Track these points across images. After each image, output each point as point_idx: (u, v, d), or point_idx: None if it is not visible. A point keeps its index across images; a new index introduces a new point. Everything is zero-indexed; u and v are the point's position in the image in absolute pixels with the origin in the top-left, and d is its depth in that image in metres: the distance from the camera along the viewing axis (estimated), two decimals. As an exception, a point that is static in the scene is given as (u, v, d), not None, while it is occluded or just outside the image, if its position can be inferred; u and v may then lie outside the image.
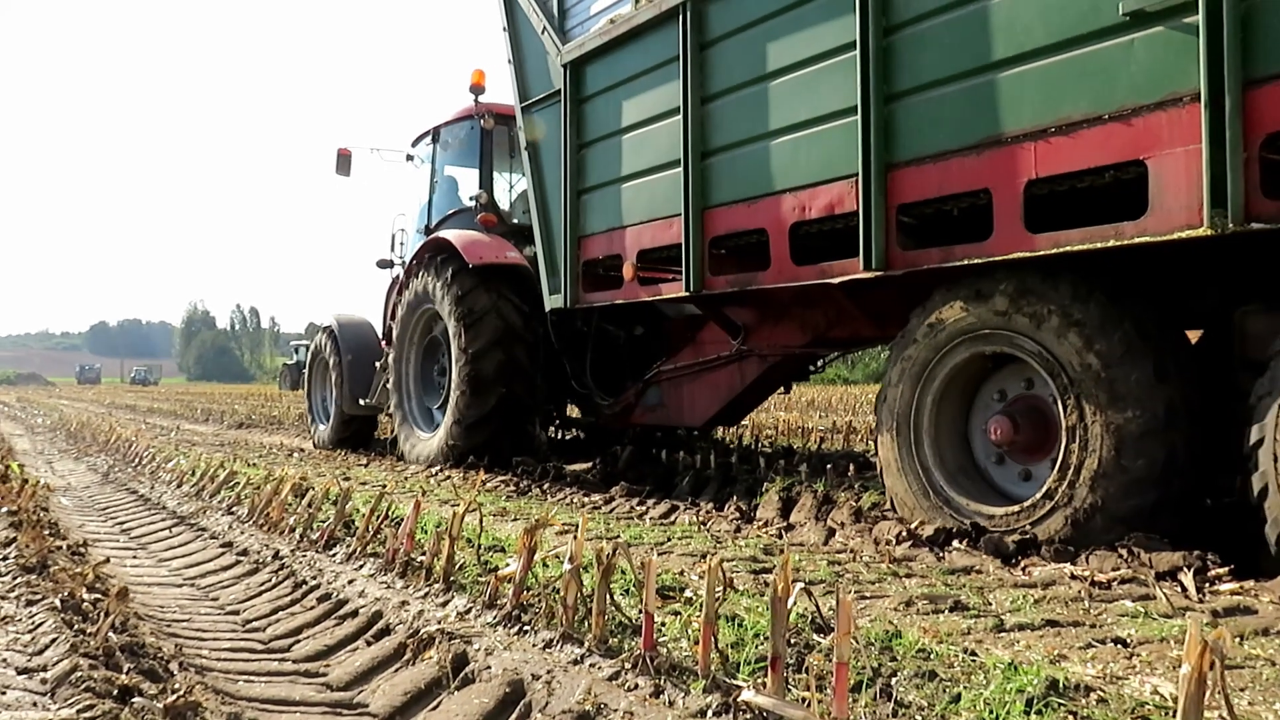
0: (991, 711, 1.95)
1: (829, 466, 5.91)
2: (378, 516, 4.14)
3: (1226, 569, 3.35)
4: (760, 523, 5.00)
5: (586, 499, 6.02)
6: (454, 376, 7.65)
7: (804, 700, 1.98)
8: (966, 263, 4.11)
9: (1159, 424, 3.69)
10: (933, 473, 4.45)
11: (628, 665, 2.34)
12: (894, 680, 2.12)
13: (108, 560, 4.00)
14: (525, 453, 7.68)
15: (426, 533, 3.85)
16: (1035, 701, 1.96)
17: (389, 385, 8.91)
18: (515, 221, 8.57)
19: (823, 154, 4.74)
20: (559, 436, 9.06)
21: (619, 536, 4.44)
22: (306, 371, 11.13)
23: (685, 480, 6.32)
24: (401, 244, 10.04)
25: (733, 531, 4.76)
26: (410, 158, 9.98)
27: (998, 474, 4.43)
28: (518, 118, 7.28)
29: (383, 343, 9.89)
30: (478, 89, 8.74)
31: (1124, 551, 3.59)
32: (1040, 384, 4.15)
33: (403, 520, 3.90)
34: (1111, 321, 3.81)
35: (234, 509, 5.55)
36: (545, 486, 6.58)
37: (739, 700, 2.00)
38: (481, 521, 3.81)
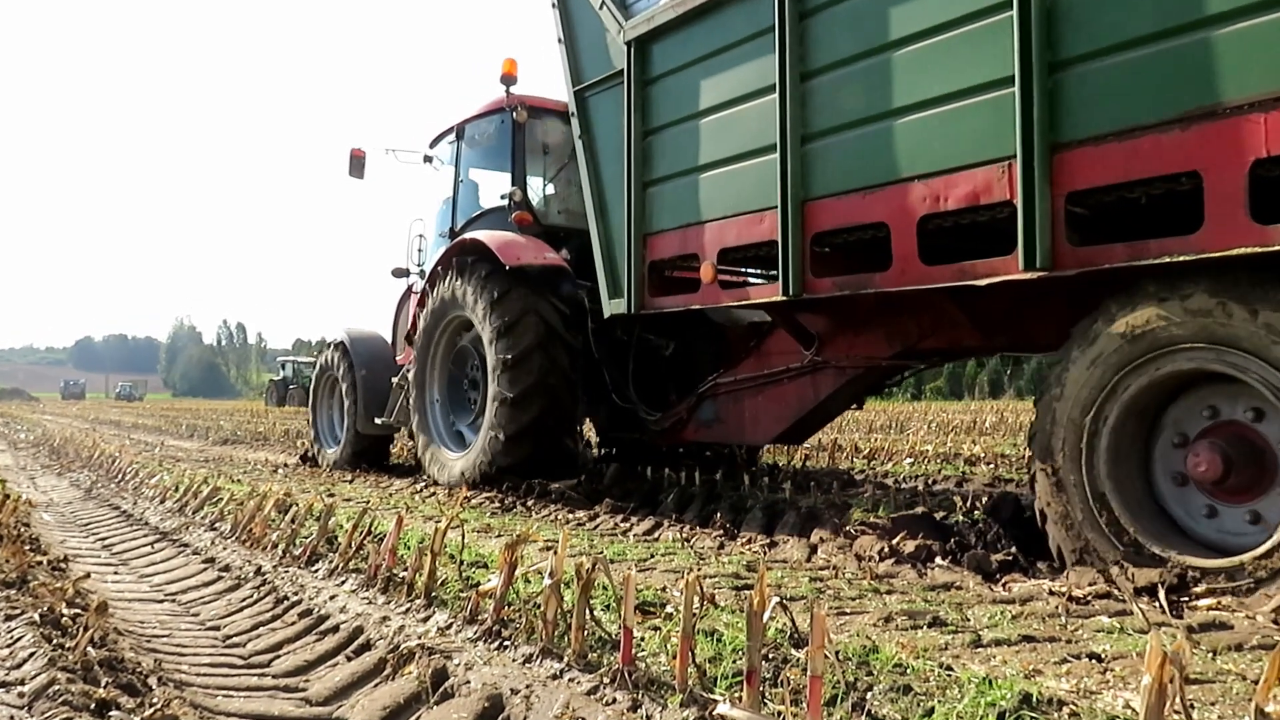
0: (964, 725, 1.97)
1: (813, 484, 5.94)
2: (360, 532, 4.14)
3: (1204, 586, 3.38)
4: (744, 539, 5.01)
5: (571, 515, 6.02)
6: (490, 387, 7.06)
7: (779, 714, 1.99)
8: (1168, 260, 3.43)
9: None
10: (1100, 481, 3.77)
11: (606, 680, 2.35)
12: (869, 695, 2.14)
13: (88, 576, 3.99)
14: (566, 470, 7.15)
15: (409, 549, 3.86)
16: (1007, 715, 1.98)
17: (410, 403, 8.25)
18: (550, 222, 8.03)
19: (965, 134, 4.07)
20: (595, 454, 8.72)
21: (602, 553, 4.45)
22: (311, 391, 10.57)
23: (670, 497, 6.32)
24: (420, 251, 9.49)
25: (716, 548, 4.77)
26: (429, 159, 9.42)
27: (1172, 495, 3.79)
28: (570, 103, 6.59)
29: (397, 358, 9.47)
30: (509, 79, 8.10)
31: (1103, 568, 3.62)
32: (1272, 423, 3.46)
33: (385, 536, 3.90)
34: None
35: (217, 525, 5.53)
36: (530, 503, 6.58)
37: (715, 714, 2.02)
38: (464, 537, 3.82)
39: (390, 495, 7.18)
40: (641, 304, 5.97)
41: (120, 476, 8.67)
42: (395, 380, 8.96)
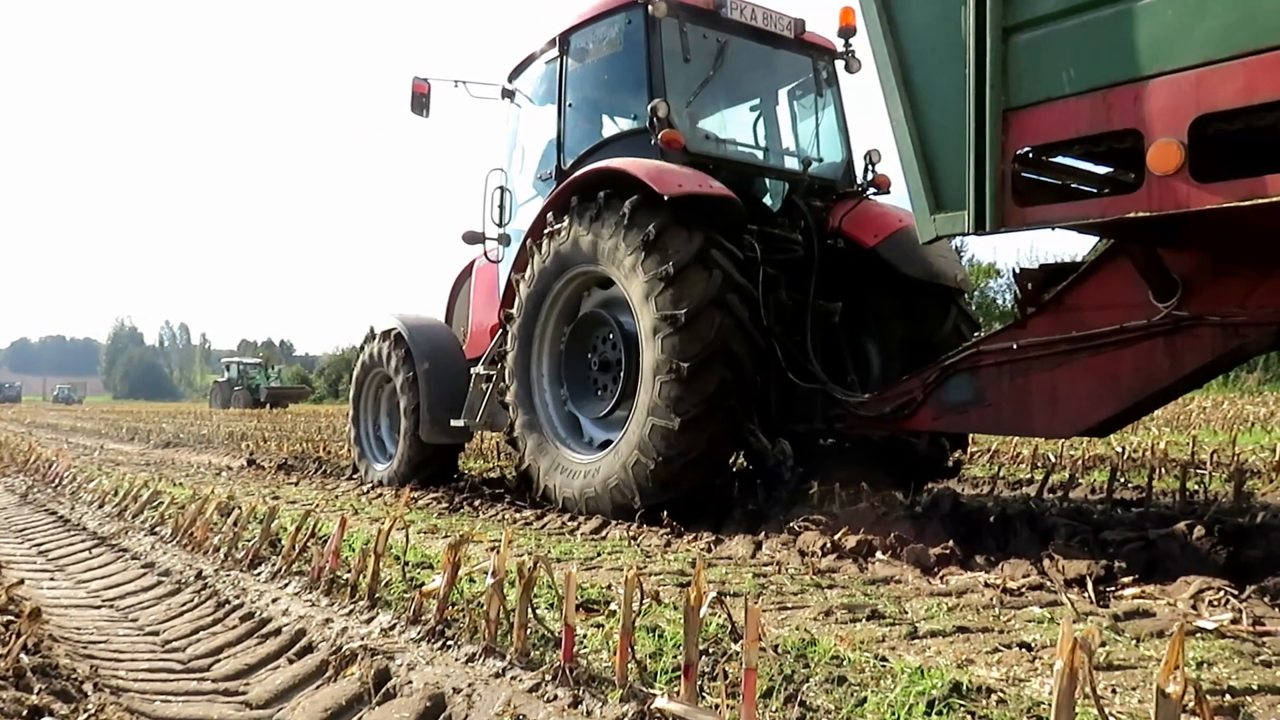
0: (895, 714, 2.02)
1: (759, 482, 6.00)
2: (304, 534, 4.11)
3: (1131, 577, 3.50)
4: (690, 537, 5.06)
5: (519, 515, 6.02)
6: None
7: (715, 707, 2.03)
8: None
9: None
10: None
11: (548, 677, 2.37)
12: (805, 686, 2.19)
13: (22, 582, 3.90)
14: (759, 469, 5.84)
15: (353, 550, 3.84)
16: (937, 703, 2.04)
17: (511, 398, 6.53)
18: (697, 149, 6.27)
19: None
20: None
21: (548, 552, 4.47)
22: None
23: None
24: (501, 208, 7.64)
25: (663, 546, 4.81)
26: (510, 94, 7.75)
27: None
28: None
29: (464, 348, 8.12)
30: None
31: (1035, 560, 3.73)
32: None
33: (329, 538, 3.88)
34: None
35: (157, 529, 5.45)
36: (477, 503, 6.57)
37: (653, 708, 2.05)
38: (408, 538, 3.82)
39: (336, 497, 7.12)
40: (1001, 218, 3.67)
41: (57, 481, 8.47)
42: (477, 370, 7.46)
